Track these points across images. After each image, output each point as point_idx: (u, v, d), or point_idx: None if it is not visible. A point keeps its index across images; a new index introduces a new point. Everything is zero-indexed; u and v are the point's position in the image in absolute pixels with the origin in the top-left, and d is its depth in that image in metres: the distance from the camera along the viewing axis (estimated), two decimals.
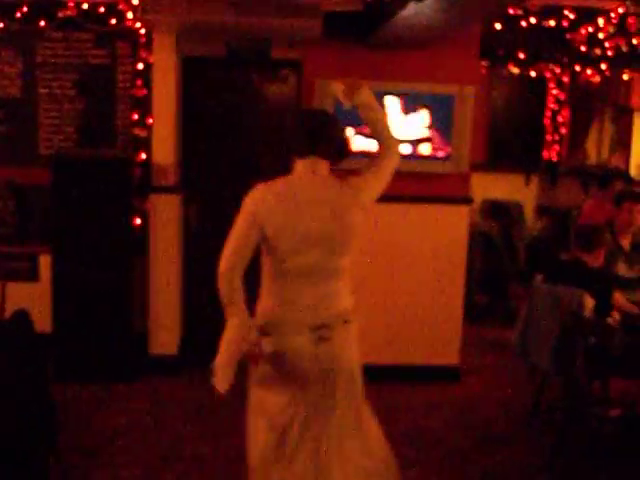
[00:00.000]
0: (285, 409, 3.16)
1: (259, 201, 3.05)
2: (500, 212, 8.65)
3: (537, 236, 8.35)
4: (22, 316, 3.88)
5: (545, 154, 9.04)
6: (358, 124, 5.54)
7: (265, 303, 3.15)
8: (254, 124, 6.09)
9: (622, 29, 7.41)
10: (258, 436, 3.21)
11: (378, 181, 3.30)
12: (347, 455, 3.23)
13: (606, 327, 4.57)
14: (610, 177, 6.72)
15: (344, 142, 3.30)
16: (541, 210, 9.01)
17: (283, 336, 3.09)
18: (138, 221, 5.84)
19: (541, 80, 8.78)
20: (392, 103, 5.57)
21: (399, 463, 4.49)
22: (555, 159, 9.04)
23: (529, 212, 9.07)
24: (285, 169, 3.26)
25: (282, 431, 3.15)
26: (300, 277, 3.07)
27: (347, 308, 3.20)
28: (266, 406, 3.20)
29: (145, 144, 5.92)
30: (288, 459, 3.16)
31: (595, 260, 4.88)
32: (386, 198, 5.78)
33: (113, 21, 5.96)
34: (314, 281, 3.09)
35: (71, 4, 5.95)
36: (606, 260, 5.23)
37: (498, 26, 7.14)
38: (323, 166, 3.15)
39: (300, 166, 3.15)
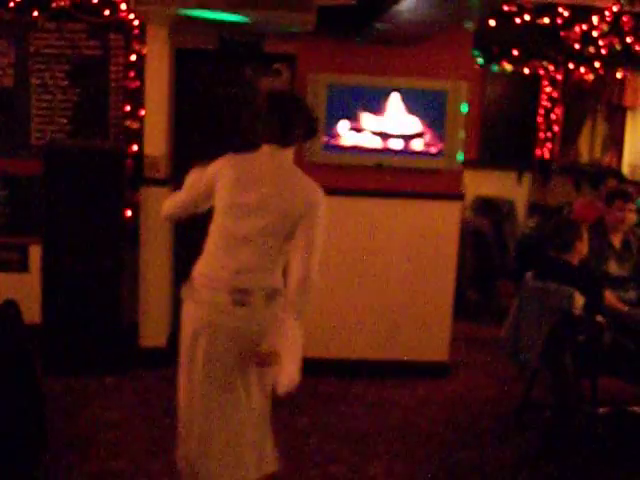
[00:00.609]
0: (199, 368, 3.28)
1: (220, 165, 3.32)
2: (491, 209, 8.66)
3: (528, 234, 8.35)
4: (11, 307, 3.87)
5: (538, 152, 9.06)
6: (352, 118, 5.56)
7: (200, 260, 3.36)
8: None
9: (616, 28, 7.42)
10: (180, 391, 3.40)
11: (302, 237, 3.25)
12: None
13: (596, 325, 4.58)
14: (603, 175, 6.72)
15: (312, 123, 3.39)
16: (533, 208, 9.02)
17: (207, 290, 3.25)
18: (129, 213, 5.82)
19: (534, 78, 8.79)
20: (385, 98, 5.57)
21: (387, 457, 4.53)
22: (547, 157, 9.06)
23: (521, 209, 9.09)
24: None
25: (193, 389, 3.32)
26: (231, 241, 3.25)
27: (274, 287, 3.27)
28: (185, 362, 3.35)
29: (137, 136, 5.91)
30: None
31: (576, 256, 4.87)
32: (377, 193, 5.83)
33: (106, 12, 5.93)
34: (243, 249, 3.23)
35: None
36: (596, 257, 5.24)
37: (492, 23, 7.14)
38: (287, 154, 3.30)
39: (266, 149, 3.29)
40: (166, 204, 3.56)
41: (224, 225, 3.27)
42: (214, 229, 3.32)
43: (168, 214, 3.60)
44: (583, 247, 4.89)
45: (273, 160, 3.27)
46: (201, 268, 3.33)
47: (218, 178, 3.29)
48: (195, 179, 3.42)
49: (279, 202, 3.20)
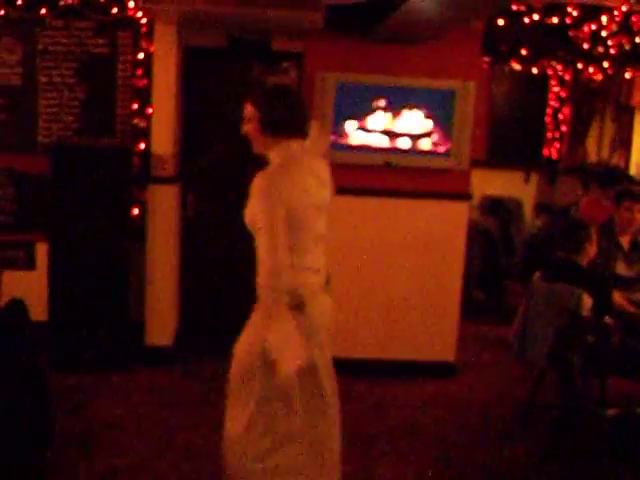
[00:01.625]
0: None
1: (279, 187, 3.07)
2: (499, 209, 8.64)
3: (535, 234, 8.33)
4: (17, 305, 3.87)
5: (545, 151, 9.04)
6: (360, 117, 5.55)
7: (294, 275, 3.18)
8: None
9: (625, 27, 7.39)
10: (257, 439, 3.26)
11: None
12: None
13: (604, 326, 4.55)
14: (611, 176, 6.69)
15: None
16: (540, 208, 8.99)
17: (319, 298, 3.28)
18: (136, 211, 5.81)
19: (543, 77, 8.77)
20: (393, 97, 5.55)
21: (394, 458, 4.51)
22: (555, 157, 9.04)
23: (528, 209, 9.06)
24: None
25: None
26: (313, 244, 3.27)
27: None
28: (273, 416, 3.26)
29: (144, 134, 5.90)
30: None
31: (585, 257, 4.84)
32: (385, 192, 5.81)
33: (114, 10, 5.92)
34: (320, 247, 3.32)
35: None
36: (604, 258, 5.21)
37: (501, 22, 7.12)
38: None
39: (296, 145, 3.24)
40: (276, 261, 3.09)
41: (306, 237, 3.21)
42: (292, 243, 3.11)
43: (283, 267, 3.06)
44: (592, 249, 4.86)
45: (310, 152, 3.30)
46: (302, 281, 3.19)
47: (286, 204, 3.06)
48: (274, 223, 3.08)
49: (327, 190, 3.32)
